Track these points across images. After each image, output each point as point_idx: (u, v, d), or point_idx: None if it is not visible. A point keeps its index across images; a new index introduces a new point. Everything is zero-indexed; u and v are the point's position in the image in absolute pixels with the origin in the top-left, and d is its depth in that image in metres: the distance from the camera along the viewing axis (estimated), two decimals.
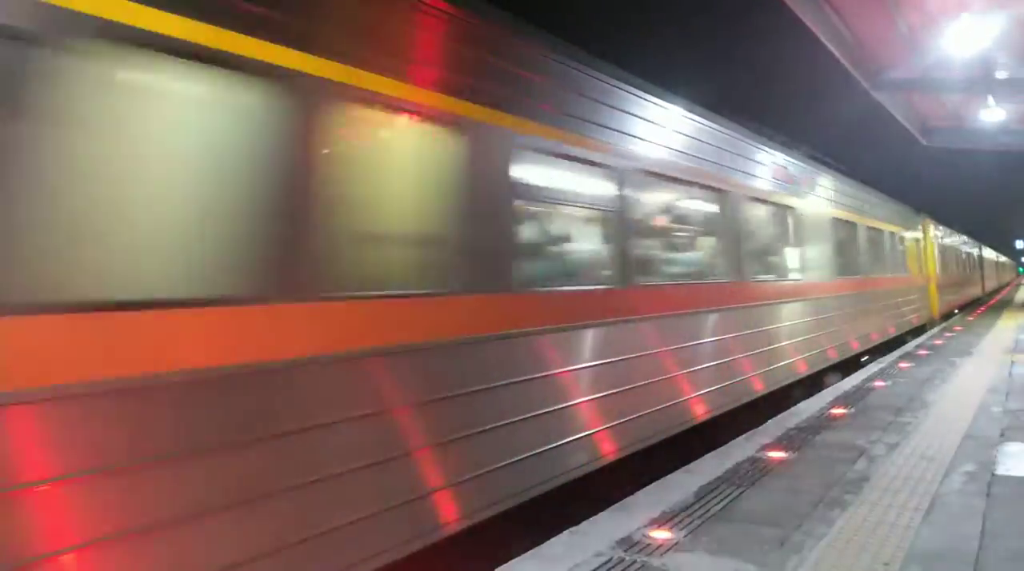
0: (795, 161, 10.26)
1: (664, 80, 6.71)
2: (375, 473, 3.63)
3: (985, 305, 30.45)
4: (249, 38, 3.21)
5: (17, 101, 2.57)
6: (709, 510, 4.73)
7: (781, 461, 5.93)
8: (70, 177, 2.74)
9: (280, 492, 3.18)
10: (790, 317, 9.27)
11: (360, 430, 3.60)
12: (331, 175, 3.63)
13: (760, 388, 8.09)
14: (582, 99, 5.55)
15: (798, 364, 9.39)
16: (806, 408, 8.30)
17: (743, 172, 8.31)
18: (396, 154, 4.22)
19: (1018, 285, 61.01)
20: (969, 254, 33.54)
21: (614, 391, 5.54)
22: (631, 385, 5.74)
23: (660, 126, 6.60)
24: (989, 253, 48.89)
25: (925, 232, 20.26)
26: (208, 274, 3.12)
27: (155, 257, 2.99)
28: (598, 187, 5.78)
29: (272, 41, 3.31)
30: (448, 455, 4.05)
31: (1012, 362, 11.18)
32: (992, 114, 17.34)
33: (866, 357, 13.35)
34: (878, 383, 9.87)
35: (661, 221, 7.08)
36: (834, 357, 11.01)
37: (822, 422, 7.44)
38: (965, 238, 31.97)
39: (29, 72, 2.62)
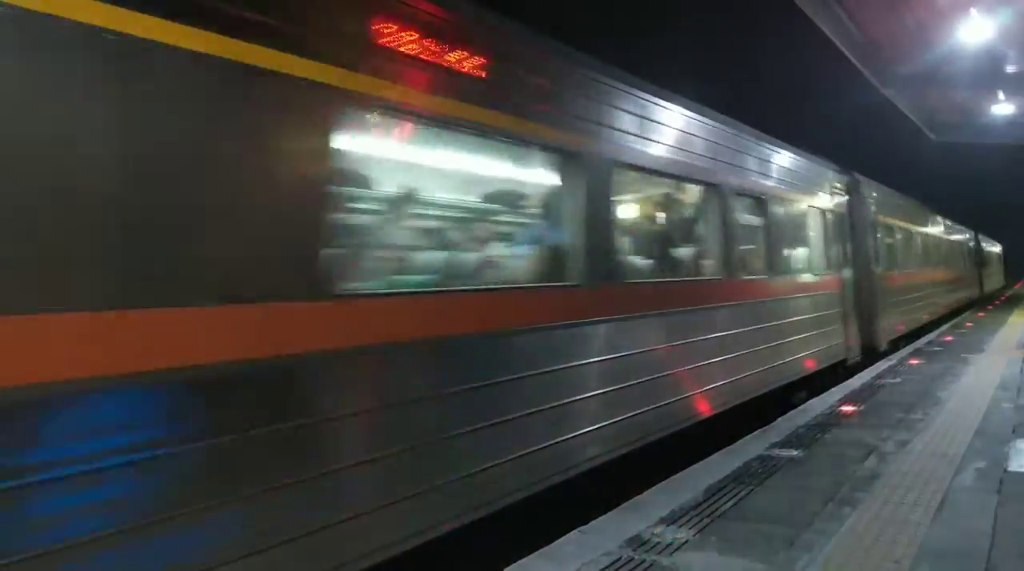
0: None
1: (669, 82, 6.69)
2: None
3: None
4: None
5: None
6: (718, 509, 4.74)
7: (791, 459, 5.93)
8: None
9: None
10: None
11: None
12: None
13: None
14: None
15: None
16: (816, 405, 8.29)
17: None
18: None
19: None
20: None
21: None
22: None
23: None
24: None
25: None
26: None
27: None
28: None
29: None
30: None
31: (1023, 359, 11.09)
32: (1002, 108, 17.25)
33: None
34: (888, 380, 9.84)
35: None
36: None
37: (832, 419, 7.43)
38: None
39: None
